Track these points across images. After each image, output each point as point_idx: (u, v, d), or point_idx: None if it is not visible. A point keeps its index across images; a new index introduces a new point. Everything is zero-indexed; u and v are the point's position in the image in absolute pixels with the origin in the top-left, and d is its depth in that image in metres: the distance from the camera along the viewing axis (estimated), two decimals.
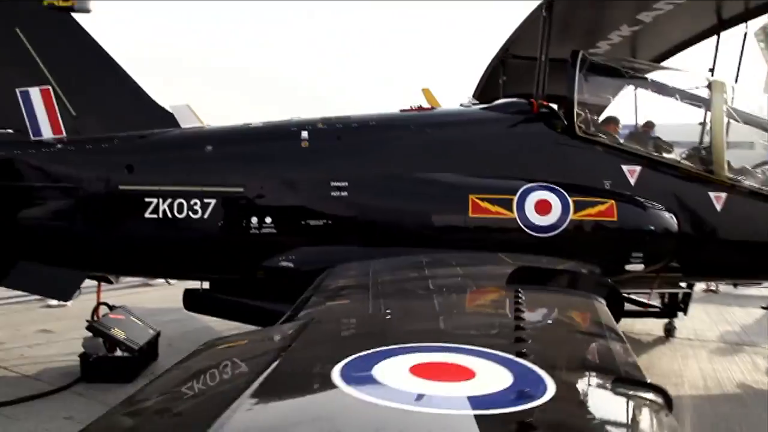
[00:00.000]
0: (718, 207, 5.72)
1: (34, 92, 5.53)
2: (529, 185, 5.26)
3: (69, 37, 5.58)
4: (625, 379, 1.81)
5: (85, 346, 5.66)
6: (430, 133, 5.69)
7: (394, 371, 1.88)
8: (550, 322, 2.45)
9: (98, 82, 5.65)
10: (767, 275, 6.47)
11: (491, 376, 1.85)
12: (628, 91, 6.36)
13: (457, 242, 5.18)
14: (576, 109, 5.61)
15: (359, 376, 1.87)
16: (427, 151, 5.51)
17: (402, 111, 6.00)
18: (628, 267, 5.26)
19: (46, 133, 5.52)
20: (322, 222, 5.17)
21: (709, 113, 6.40)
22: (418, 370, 1.89)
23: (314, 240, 5.17)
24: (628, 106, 6.36)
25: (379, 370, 1.91)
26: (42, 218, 5.26)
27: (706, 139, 6.77)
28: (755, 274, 6.46)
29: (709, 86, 6.01)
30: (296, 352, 2.29)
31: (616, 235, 5.25)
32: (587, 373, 2.04)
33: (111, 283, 6.36)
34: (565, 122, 5.72)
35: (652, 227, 5.27)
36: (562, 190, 5.25)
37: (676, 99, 6.21)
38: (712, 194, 5.77)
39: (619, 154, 5.70)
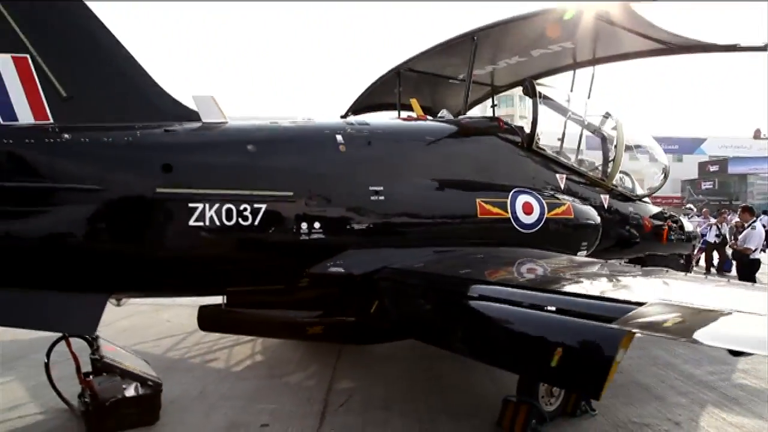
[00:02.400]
0: (606, 205, 7.77)
1: (4, 61, 4.20)
2: (516, 189, 6.30)
3: None
4: None
5: (103, 389, 4.51)
6: (442, 143, 6.22)
7: None
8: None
9: (94, 60, 4.55)
10: (619, 255, 8.66)
11: None
12: (553, 112, 7.93)
13: (471, 239, 5.88)
14: (536, 128, 6.89)
15: None
16: (441, 158, 6.05)
17: (402, 119, 6.33)
18: (579, 254, 6.75)
19: (24, 116, 4.24)
20: (364, 226, 5.27)
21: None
22: None
23: (358, 244, 5.24)
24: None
25: None
26: (51, 232, 4.05)
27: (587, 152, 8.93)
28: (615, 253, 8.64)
29: (606, 115, 8.05)
30: None
31: (573, 229, 6.68)
32: None
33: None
34: (520, 137, 6.93)
35: (592, 222, 6.87)
36: (537, 194, 6.43)
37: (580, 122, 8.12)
38: (602, 196, 7.80)
39: (553, 165, 7.20)
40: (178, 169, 4.48)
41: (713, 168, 49.79)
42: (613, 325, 2.93)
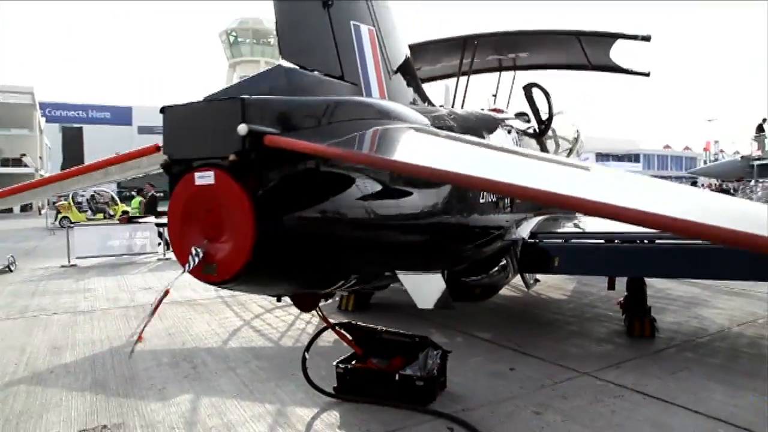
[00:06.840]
0: None
1: (365, 30, 4.11)
2: None
3: None
4: None
5: (422, 364, 4.84)
6: (517, 131, 7.62)
7: None
8: None
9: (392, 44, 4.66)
10: None
11: None
12: None
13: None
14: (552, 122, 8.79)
15: None
16: (518, 144, 7.51)
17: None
18: None
19: (374, 92, 4.19)
20: None
21: None
22: None
23: None
24: None
25: None
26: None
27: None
28: None
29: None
30: None
31: None
32: None
33: None
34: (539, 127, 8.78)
35: None
36: None
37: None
38: None
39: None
40: None
41: None
42: None
